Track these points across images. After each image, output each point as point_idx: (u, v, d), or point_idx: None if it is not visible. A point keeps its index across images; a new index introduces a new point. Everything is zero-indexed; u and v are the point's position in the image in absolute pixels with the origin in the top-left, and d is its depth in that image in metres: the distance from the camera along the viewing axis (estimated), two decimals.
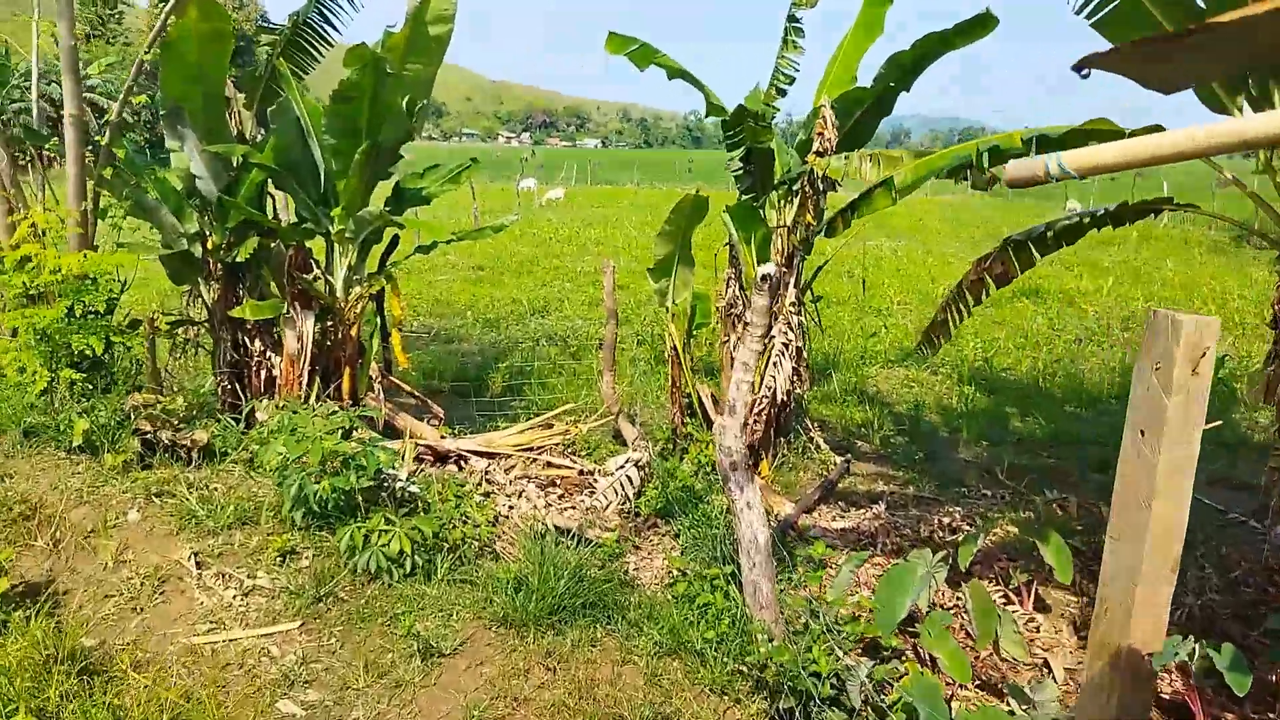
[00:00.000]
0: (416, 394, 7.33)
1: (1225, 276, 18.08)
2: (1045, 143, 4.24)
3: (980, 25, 5.85)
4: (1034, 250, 4.68)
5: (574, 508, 5.88)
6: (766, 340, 6.61)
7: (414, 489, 5.02)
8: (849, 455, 7.21)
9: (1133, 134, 3.76)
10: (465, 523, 4.72)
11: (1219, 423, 3.15)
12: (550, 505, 5.84)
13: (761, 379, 6.62)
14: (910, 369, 10.51)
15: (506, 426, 7.97)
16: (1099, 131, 3.89)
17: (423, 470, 6.33)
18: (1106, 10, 3.90)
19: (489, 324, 12.38)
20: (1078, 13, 4.00)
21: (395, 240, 7.32)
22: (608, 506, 5.89)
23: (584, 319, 12.87)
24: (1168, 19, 3.68)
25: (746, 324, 4.00)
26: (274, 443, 4.49)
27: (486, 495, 5.85)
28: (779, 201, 6.83)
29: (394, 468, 5.02)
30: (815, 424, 7.73)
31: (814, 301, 7.14)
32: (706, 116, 6.91)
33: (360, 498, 4.46)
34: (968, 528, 5.96)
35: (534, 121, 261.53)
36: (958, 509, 6.36)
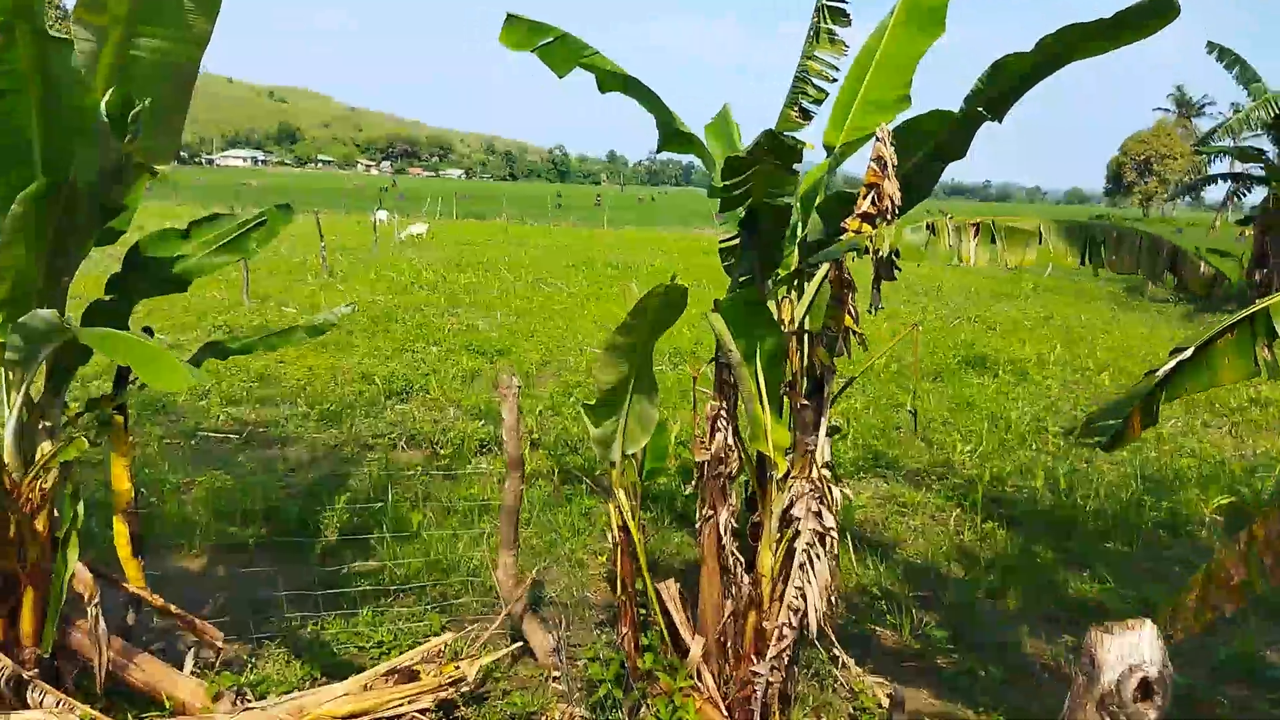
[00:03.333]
0: (173, 609, 4.22)
1: (1153, 339, 16.90)
2: None
3: (1157, 15, 3.41)
4: None
5: None
6: (784, 531, 3.94)
7: None
8: (895, 688, 4.57)
9: None
10: None
11: None
12: None
13: (779, 595, 3.93)
14: (890, 480, 8.10)
15: (335, 635, 4.98)
16: None
17: None
18: None
19: (328, 417, 9.19)
20: None
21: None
22: None
23: (456, 405, 9.88)
24: None
25: None
26: None
27: None
28: (788, 293, 4.22)
29: None
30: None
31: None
32: (661, 147, 4.25)
33: None
34: None
35: (395, 150, 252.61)
36: None
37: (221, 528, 6.40)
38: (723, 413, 4.05)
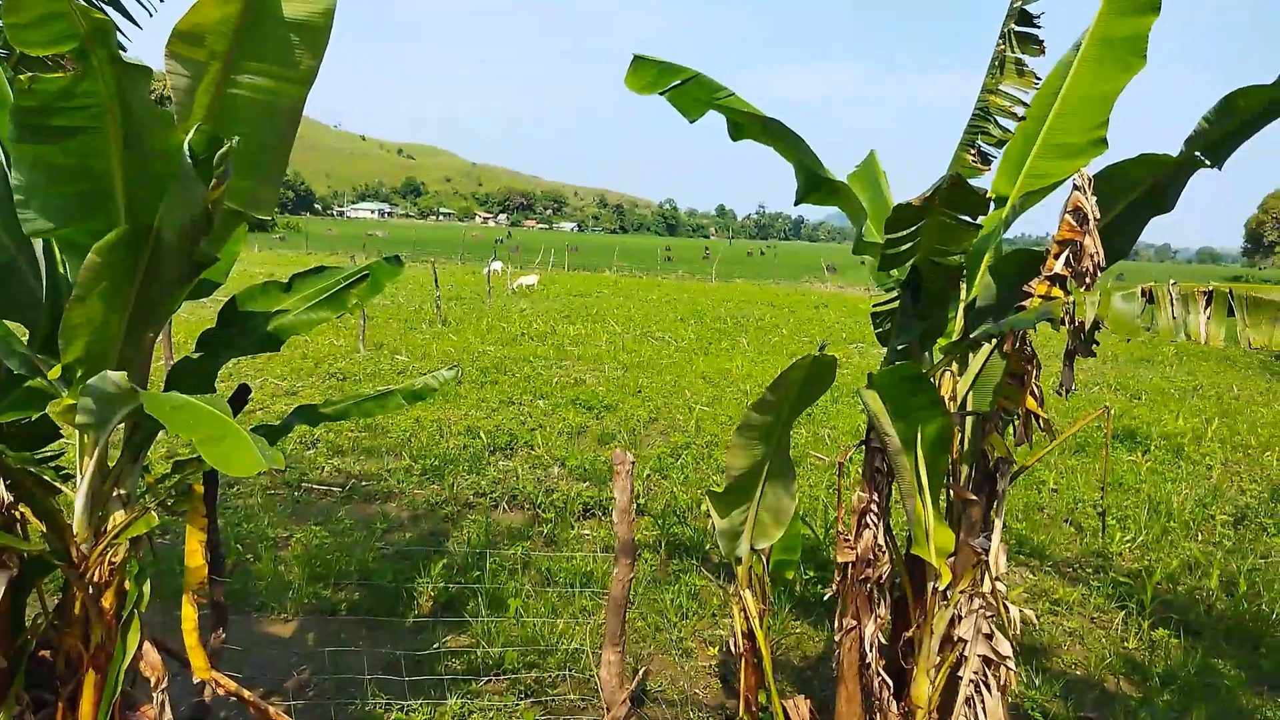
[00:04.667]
0: (246, 695, 3.83)
1: None
2: None
3: None
4: None
5: None
6: (945, 653, 3.28)
7: None
8: None
9: None
10: None
11: None
12: None
13: None
14: (1038, 571, 7.21)
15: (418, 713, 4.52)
16: None
17: None
18: None
19: (430, 472, 8.91)
20: None
21: (243, 398, 3.97)
22: None
23: (561, 463, 9.47)
24: None
25: None
26: None
27: None
28: (951, 367, 3.60)
29: None
30: None
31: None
32: (801, 199, 3.76)
33: None
34: None
35: (511, 204, 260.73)
36: None
37: (314, 590, 6.10)
38: (873, 507, 3.44)
